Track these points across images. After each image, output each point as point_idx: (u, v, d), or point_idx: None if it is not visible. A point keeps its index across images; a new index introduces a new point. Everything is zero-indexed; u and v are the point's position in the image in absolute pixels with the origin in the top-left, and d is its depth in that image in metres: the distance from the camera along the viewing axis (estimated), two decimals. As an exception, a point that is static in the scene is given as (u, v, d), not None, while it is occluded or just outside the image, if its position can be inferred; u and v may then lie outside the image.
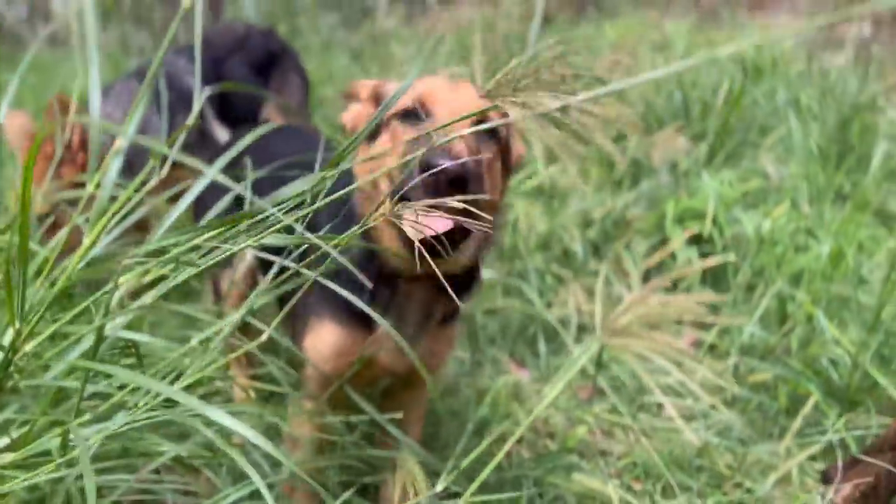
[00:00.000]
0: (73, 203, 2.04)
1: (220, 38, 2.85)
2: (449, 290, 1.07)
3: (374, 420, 1.47)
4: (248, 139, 1.16)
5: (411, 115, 1.23)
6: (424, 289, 1.36)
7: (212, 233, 1.06)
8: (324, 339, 1.40)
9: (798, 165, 3.11)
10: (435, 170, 1.06)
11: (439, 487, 1.35)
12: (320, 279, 1.05)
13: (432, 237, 1.04)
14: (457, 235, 1.11)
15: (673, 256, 2.63)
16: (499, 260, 2.57)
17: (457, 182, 1.07)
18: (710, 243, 2.63)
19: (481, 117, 1.20)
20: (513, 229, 2.59)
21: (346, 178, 1.21)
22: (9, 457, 1.09)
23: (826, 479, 1.75)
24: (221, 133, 2.68)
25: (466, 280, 1.40)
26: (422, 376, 1.52)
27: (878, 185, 2.93)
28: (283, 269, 1.16)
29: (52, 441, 1.08)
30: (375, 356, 1.41)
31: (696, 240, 2.66)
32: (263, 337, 1.07)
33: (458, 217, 1.01)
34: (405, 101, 1.24)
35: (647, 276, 2.58)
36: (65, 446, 1.07)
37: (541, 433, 2.04)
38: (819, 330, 2.16)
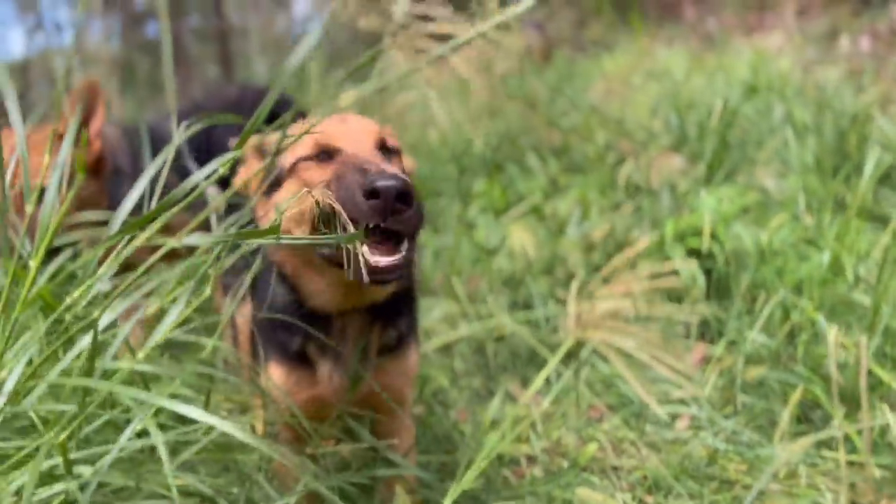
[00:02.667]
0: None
1: (211, 103, 2.93)
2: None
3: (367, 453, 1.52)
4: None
5: (317, 158, 1.30)
6: (357, 321, 1.42)
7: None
8: (273, 373, 1.46)
9: (796, 178, 3.15)
10: (382, 188, 1.09)
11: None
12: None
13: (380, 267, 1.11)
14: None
15: (675, 272, 2.67)
16: (504, 286, 2.63)
17: (403, 197, 1.11)
18: (712, 258, 2.67)
19: (382, 140, 1.32)
20: (510, 255, 2.65)
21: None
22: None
23: None
24: (211, 190, 2.77)
25: (398, 303, 1.45)
26: (386, 408, 1.57)
27: (873, 190, 2.95)
28: None
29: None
30: (320, 393, 1.45)
31: (697, 256, 2.70)
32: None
33: (401, 245, 1.12)
34: (307, 147, 1.31)
35: (651, 297, 2.61)
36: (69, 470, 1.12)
37: (553, 453, 2.07)
38: (822, 334, 2.18)
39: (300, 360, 1.43)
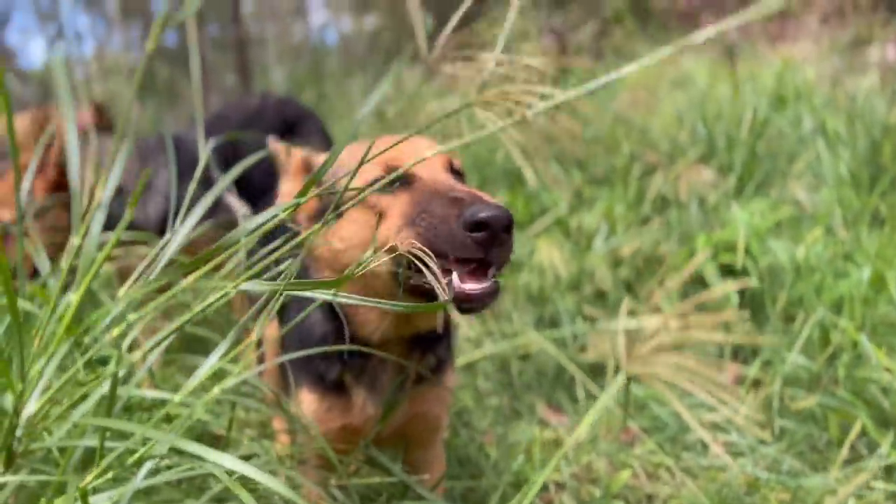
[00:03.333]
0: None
1: (234, 113, 2.90)
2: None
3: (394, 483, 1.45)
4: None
5: (389, 184, 1.16)
6: (397, 349, 1.35)
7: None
8: (304, 409, 1.40)
9: (830, 191, 3.06)
10: (491, 221, 1.01)
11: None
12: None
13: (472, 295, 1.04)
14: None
15: (704, 284, 2.58)
16: (529, 303, 2.55)
17: (508, 228, 1.03)
18: (745, 275, 2.58)
19: (450, 163, 1.23)
20: (539, 272, 2.57)
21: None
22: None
23: None
24: (237, 205, 2.72)
25: (437, 335, 1.38)
26: (420, 437, 1.50)
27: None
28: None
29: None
30: (352, 422, 1.39)
31: (730, 272, 2.61)
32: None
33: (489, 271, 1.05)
34: (375, 170, 1.20)
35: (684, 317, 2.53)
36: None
37: (583, 480, 1.99)
38: (865, 356, 2.09)
39: (335, 388, 1.36)
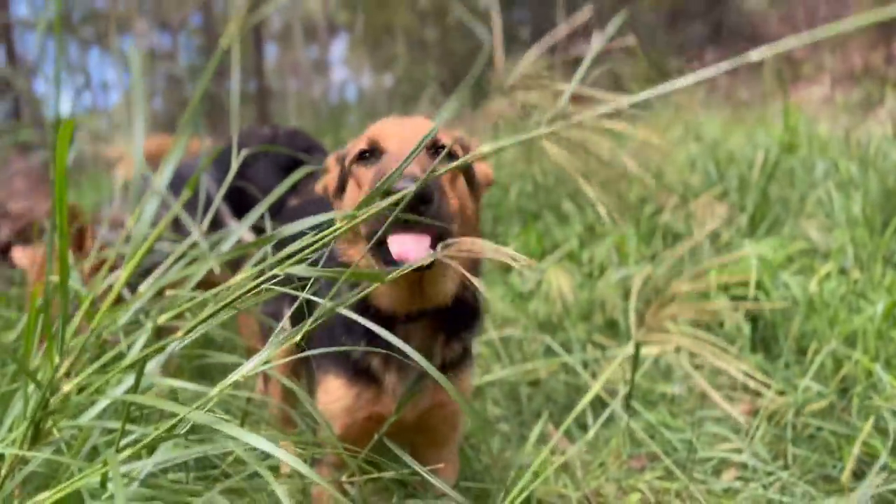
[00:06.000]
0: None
1: (247, 141, 2.95)
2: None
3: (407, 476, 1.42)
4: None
5: (367, 157, 1.32)
6: (422, 329, 1.36)
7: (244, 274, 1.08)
8: (331, 397, 1.40)
9: (842, 232, 3.06)
10: (398, 194, 1.06)
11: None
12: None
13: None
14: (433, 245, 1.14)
15: (721, 325, 2.57)
16: (541, 331, 2.54)
17: (421, 198, 1.12)
18: (756, 307, 2.56)
19: (436, 143, 1.29)
20: (545, 298, 2.57)
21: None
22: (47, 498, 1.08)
23: None
24: (248, 237, 2.75)
25: (464, 314, 1.40)
26: (440, 432, 1.49)
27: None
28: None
29: (90, 480, 1.07)
30: (381, 410, 1.39)
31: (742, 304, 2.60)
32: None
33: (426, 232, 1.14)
34: (359, 145, 1.33)
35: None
36: (104, 485, 1.06)
37: None
38: (880, 386, 2.06)
39: (364, 373, 1.36)
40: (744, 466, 1.98)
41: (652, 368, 2.42)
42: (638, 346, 1.94)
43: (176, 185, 1.86)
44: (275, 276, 1.04)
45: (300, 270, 1.02)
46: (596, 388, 1.55)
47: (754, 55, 0.90)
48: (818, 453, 1.99)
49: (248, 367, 0.96)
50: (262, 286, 1.01)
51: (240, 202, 2.73)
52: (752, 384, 2.33)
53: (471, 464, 2.05)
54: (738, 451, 2.04)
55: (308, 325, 1.02)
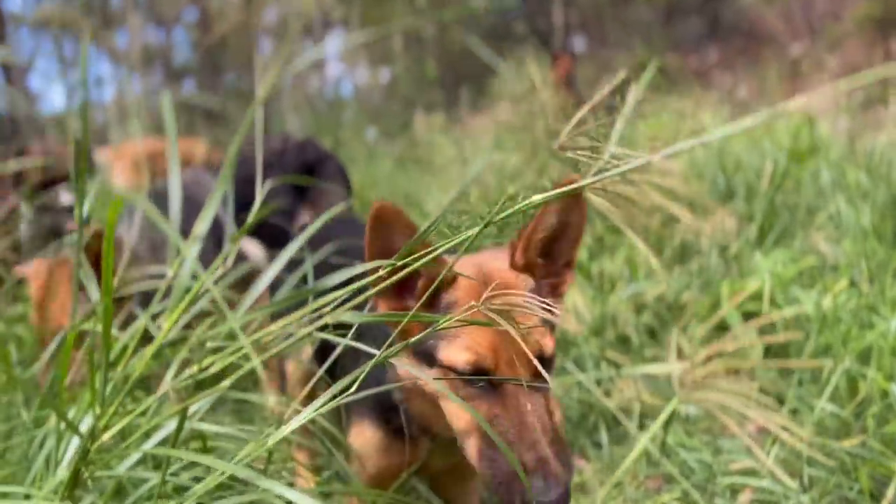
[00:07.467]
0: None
1: (253, 153, 2.93)
2: None
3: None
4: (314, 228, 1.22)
5: (475, 382, 1.15)
6: None
7: (284, 320, 1.08)
8: (364, 438, 1.40)
9: (852, 244, 3.06)
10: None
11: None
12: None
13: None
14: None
15: (726, 331, 2.57)
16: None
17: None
18: (769, 323, 2.57)
19: (542, 355, 1.17)
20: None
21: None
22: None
23: None
24: (250, 247, 2.74)
25: None
26: (466, 471, 1.50)
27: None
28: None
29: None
30: (410, 461, 1.39)
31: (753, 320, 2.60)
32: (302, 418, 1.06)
33: None
34: (462, 356, 1.14)
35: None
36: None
37: (609, 526, 1.96)
38: (894, 406, 2.07)
39: (400, 430, 1.35)
40: (760, 489, 1.99)
41: (664, 386, 2.43)
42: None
43: (185, 199, 1.85)
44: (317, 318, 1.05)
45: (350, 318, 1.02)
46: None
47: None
48: (835, 475, 2.00)
49: (298, 421, 0.96)
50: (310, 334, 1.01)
51: (247, 217, 2.72)
52: (767, 402, 2.34)
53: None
54: (755, 471, 2.05)
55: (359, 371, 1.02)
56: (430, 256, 1.00)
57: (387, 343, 1.05)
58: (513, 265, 1.26)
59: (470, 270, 1.19)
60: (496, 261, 1.27)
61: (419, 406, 1.26)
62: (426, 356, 1.17)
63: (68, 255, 2.43)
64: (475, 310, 1.03)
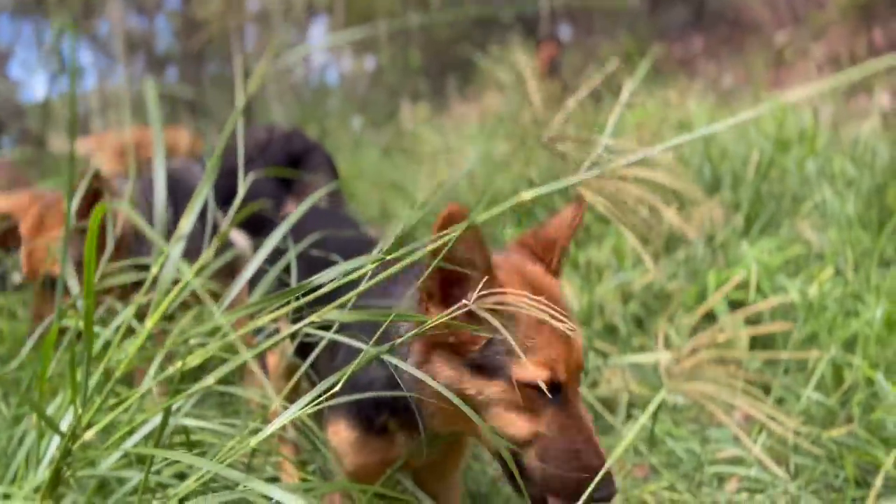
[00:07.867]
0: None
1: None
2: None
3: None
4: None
5: (542, 393, 1.14)
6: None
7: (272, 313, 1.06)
8: (339, 437, 1.39)
9: (837, 232, 3.08)
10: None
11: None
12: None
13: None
14: None
15: (713, 320, 2.58)
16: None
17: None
18: (756, 312, 2.57)
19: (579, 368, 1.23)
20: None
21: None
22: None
23: None
24: (234, 235, 2.71)
25: None
26: (447, 466, 1.49)
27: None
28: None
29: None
30: (389, 458, 1.37)
31: (739, 308, 2.61)
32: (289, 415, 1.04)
33: None
34: (530, 376, 1.13)
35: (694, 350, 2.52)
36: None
37: (597, 515, 1.96)
38: (882, 394, 2.08)
39: (377, 430, 1.34)
40: (747, 478, 2.00)
41: (652, 375, 2.43)
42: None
43: (170, 188, 1.81)
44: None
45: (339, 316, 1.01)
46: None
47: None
48: (821, 463, 2.01)
49: (285, 418, 0.95)
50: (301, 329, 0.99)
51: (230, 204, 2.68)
52: (753, 391, 2.35)
53: (477, 478, 2.05)
54: (742, 460, 2.06)
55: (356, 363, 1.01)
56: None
57: (402, 339, 1.09)
58: (549, 271, 1.28)
59: (511, 276, 1.19)
60: (529, 265, 1.26)
61: (441, 409, 1.23)
62: (489, 369, 1.16)
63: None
64: (539, 321, 1.10)
